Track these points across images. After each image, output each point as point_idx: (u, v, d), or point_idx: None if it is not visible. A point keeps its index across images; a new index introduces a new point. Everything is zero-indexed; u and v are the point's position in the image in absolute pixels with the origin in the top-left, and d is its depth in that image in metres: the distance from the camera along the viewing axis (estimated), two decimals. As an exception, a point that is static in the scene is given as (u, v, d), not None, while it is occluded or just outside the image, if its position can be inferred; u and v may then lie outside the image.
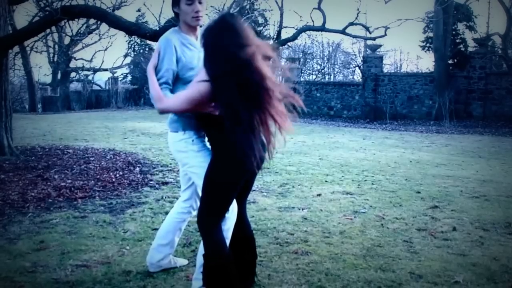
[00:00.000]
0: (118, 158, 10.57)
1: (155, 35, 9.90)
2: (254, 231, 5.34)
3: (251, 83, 3.27)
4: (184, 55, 3.78)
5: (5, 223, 5.82)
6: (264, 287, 4.15)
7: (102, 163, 9.77)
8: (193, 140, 3.83)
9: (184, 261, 4.64)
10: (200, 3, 3.80)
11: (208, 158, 3.74)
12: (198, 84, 3.43)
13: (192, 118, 3.77)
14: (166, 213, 6.31)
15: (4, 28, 10.09)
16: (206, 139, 3.84)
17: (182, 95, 3.50)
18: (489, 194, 7.89)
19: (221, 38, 3.33)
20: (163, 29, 9.76)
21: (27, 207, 6.52)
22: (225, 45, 3.30)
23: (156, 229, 5.63)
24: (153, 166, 9.76)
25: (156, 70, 3.74)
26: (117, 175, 8.66)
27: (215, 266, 3.63)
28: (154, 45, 37.65)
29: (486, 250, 5.18)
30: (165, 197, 7.24)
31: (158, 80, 3.70)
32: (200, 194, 3.81)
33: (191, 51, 3.83)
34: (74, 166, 9.36)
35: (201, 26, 3.88)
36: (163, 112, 3.56)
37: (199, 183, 3.79)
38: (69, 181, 8.08)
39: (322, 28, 14.64)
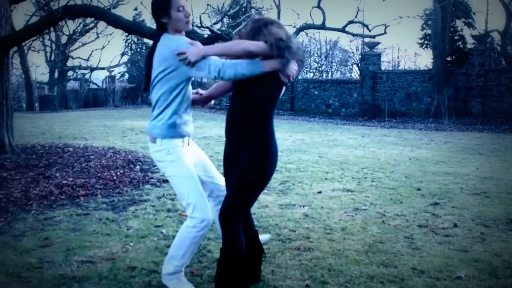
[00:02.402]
0: (118, 156, 10.60)
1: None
2: (256, 228, 5.39)
3: None
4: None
5: (10, 220, 5.87)
6: (268, 283, 4.18)
7: (103, 161, 9.81)
8: (168, 151, 3.85)
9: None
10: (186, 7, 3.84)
11: (182, 168, 3.86)
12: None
13: (173, 127, 3.84)
14: (168, 210, 6.42)
15: (5, 28, 10.12)
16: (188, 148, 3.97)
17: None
18: (489, 191, 7.92)
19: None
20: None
21: (30, 205, 6.56)
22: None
23: (159, 226, 5.72)
24: (153, 164, 9.75)
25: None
26: (118, 173, 8.69)
27: (232, 263, 3.70)
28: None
29: (488, 246, 5.22)
30: (166, 195, 7.27)
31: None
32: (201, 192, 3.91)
33: None
34: (75, 164, 9.40)
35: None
36: (256, 49, 3.60)
37: (176, 190, 3.95)
38: (71, 179, 8.12)
39: (322, 27, 14.64)
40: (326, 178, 8.81)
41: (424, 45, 30.18)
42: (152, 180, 8.28)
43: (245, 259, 3.75)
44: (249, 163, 3.72)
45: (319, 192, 7.68)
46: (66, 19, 11.59)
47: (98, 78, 44.25)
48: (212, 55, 3.61)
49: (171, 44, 3.73)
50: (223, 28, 14.61)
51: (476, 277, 4.35)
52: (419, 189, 7.95)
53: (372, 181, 8.62)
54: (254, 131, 3.73)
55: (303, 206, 6.80)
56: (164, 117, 3.80)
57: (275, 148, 3.79)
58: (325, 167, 10.01)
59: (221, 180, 4.24)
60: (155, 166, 9.56)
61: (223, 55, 3.63)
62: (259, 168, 3.72)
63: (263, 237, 4.64)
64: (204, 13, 14.20)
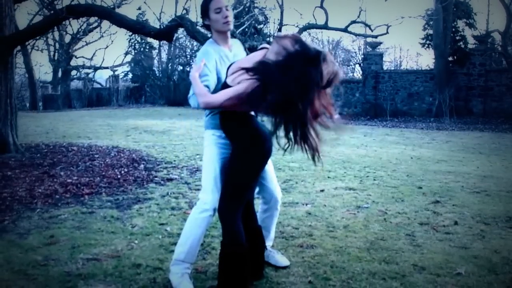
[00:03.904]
0: (122, 155, 10.66)
1: (159, 34, 10.00)
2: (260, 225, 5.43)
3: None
4: (220, 69, 3.99)
5: (15, 219, 5.93)
6: (271, 279, 4.24)
7: (107, 160, 9.86)
8: (205, 138, 4.20)
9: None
10: (227, 10, 4.04)
11: (207, 153, 4.15)
12: (245, 83, 3.61)
13: (211, 119, 4.11)
14: (172, 208, 6.47)
15: (9, 27, 10.18)
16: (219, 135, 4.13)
17: (225, 92, 3.69)
18: (489, 189, 7.96)
19: (308, 72, 3.49)
20: (168, 28, 9.87)
21: (35, 203, 6.62)
22: (308, 80, 3.49)
23: (163, 224, 5.77)
24: (157, 163, 9.85)
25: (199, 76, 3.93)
26: (122, 172, 8.75)
27: (232, 254, 3.80)
28: (156, 43, 38.01)
29: (487, 243, 5.26)
30: (171, 193, 7.34)
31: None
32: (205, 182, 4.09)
33: (225, 64, 4.01)
34: (79, 163, 9.46)
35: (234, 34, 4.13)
36: (206, 106, 3.76)
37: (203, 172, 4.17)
38: (75, 177, 8.18)
39: (325, 26, 14.72)
40: (328, 177, 8.87)
41: (426, 45, 30.17)
42: (156, 178, 8.34)
43: (245, 251, 3.84)
44: (231, 158, 3.88)
45: (322, 191, 7.74)
46: (70, 19, 11.65)
47: (102, 77, 44.32)
48: (194, 87, 3.84)
49: (198, 54, 4.07)
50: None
51: (475, 273, 4.40)
52: (420, 188, 7.99)
53: (374, 179, 8.68)
54: (235, 128, 3.87)
55: (306, 204, 6.85)
56: (207, 113, 4.14)
57: (258, 142, 3.81)
58: (328, 165, 10.04)
59: (270, 183, 4.46)
60: (159, 164, 9.65)
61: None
62: (240, 163, 3.83)
63: (282, 261, 4.67)
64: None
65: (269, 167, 4.38)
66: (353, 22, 15.38)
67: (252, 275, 4.10)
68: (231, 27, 4.14)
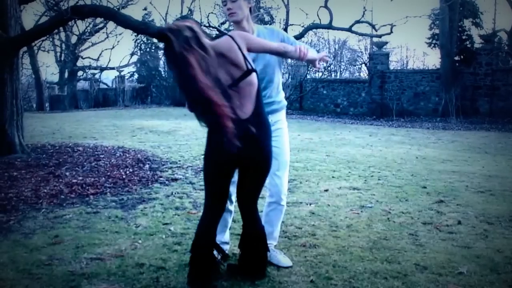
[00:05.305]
0: (127, 155, 10.69)
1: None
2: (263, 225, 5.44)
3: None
4: None
5: (20, 219, 5.96)
6: (273, 278, 4.25)
7: (112, 160, 9.90)
8: None
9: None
10: (233, 1, 4.19)
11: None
12: None
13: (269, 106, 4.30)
14: (176, 208, 6.49)
15: (14, 28, 10.24)
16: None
17: None
18: (494, 189, 7.95)
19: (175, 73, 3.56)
20: (172, 28, 9.88)
21: (40, 203, 6.65)
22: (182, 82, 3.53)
23: (167, 224, 5.79)
24: (162, 163, 9.88)
25: None
26: (127, 172, 8.78)
27: (197, 247, 3.94)
28: (161, 44, 37.66)
29: (490, 242, 5.26)
30: (175, 193, 7.36)
31: None
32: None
33: None
34: (85, 164, 9.50)
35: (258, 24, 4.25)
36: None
37: None
38: (81, 178, 8.21)
39: (329, 26, 14.73)
40: (333, 177, 8.87)
41: (432, 45, 30.20)
42: (161, 178, 8.37)
43: (210, 249, 3.99)
44: None
45: (326, 190, 7.75)
46: (76, 19, 11.70)
47: (108, 78, 44.42)
48: None
49: None
50: (231, 28, 14.69)
51: (477, 272, 4.40)
52: (424, 187, 7.99)
53: (379, 179, 8.68)
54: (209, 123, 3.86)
55: (310, 204, 6.87)
56: None
57: (216, 141, 3.67)
58: (332, 165, 10.07)
59: (277, 177, 4.59)
60: (164, 165, 9.68)
61: None
62: (204, 157, 3.95)
63: (284, 261, 4.68)
64: (212, 13, 14.35)
65: (277, 151, 4.40)
66: (357, 22, 15.38)
67: (253, 274, 4.14)
68: (236, 18, 4.26)
